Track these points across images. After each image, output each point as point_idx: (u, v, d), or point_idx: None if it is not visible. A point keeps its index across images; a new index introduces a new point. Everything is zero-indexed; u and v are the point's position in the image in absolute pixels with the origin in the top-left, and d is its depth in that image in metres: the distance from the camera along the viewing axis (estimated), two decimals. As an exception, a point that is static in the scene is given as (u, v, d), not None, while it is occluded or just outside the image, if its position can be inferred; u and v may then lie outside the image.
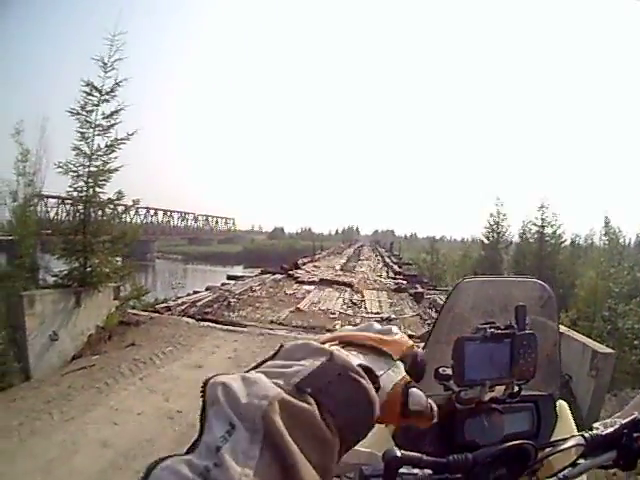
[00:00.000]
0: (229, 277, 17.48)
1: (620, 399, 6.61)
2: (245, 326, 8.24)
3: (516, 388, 1.02)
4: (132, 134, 7.62)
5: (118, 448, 3.74)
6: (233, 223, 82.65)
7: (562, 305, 12.86)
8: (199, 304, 9.78)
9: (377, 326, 0.60)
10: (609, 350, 5.95)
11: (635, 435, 0.90)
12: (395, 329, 0.60)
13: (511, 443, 0.82)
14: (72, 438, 3.85)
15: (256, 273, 18.22)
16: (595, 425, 0.94)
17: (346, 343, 0.54)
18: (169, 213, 57.63)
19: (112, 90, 7.34)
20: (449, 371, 0.98)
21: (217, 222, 74.86)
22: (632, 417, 0.90)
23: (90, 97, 7.21)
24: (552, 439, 1.06)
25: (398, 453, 0.71)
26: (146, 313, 8.09)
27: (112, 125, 7.35)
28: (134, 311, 8.00)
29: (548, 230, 19.47)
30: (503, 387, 1.02)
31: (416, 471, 0.75)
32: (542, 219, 19.39)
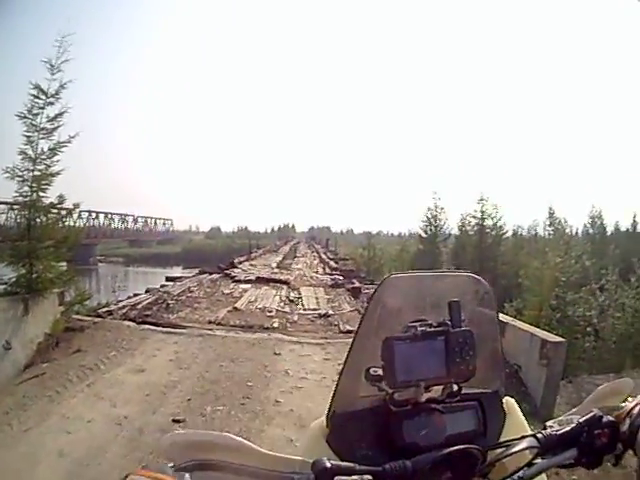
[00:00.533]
0: (167, 279, 17.56)
1: (576, 384, 6.94)
2: (184, 327, 8.45)
3: (455, 387, 1.00)
4: (74, 137, 7.71)
5: (73, 457, 3.96)
6: (171, 224, 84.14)
7: (506, 296, 13.24)
8: (139, 307, 9.86)
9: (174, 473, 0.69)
10: (559, 339, 6.02)
11: (596, 432, 0.89)
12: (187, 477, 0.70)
13: (453, 448, 0.82)
14: (32, 449, 4.04)
15: (194, 273, 18.29)
16: (549, 423, 0.94)
17: None
18: (110, 215, 57.71)
19: (57, 92, 7.47)
20: (380, 371, 0.95)
21: (156, 223, 75.60)
22: (591, 414, 0.89)
23: (37, 100, 7.34)
24: (502, 438, 1.04)
25: (328, 464, 0.71)
26: (90, 318, 8.16)
27: (55, 128, 7.48)
28: (78, 316, 8.09)
29: (488, 222, 19.79)
30: (442, 387, 1.00)
31: (355, 478, 0.74)
32: (482, 211, 19.76)
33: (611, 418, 0.91)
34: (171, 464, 0.72)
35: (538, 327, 7.35)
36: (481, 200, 19.95)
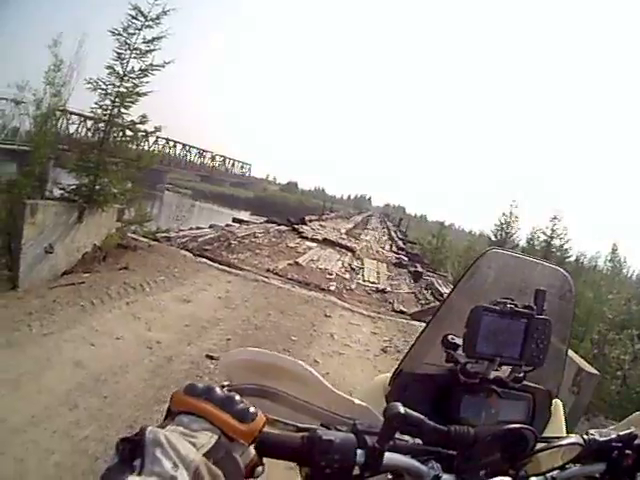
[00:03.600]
0: (234, 220, 17.41)
1: (592, 424, 6.59)
2: (241, 269, 8.27)
3: (522, 373, 0.98)
4: (168, 62, 7.59)
5: (90, 370, 3.72)
6: (249, 169, 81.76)
7: None
8: (200, 240, 9.73)
9: (238, 401, 0.58)
10: (594, 370, 5.75)
11: (627, 452, 0.83)
12: (252, 410, 0.58)
13: (513, 426, 0.77)
14: (47, 354, 3.82)
15: (261, 221, 18.03)
16: (591, 431, 0.88)
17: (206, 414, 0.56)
18: (188, 147, 56.89)
19: (157, 17, 7.32)
20: (458, 340, 0.95)
21: (233, 164, 73.68)
22: (628, 431, 0.84)
23: (134, 20, 7.21)
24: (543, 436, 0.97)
25: (402, 409, 0.66)
26: (146, 240, 8.11)
27: (150, 50, 7.36)
28: (134, 236, 8.03)
29: (556, 242, 19.54)
30: (509, 369, 0.98)
31: (407, 438, 0.71)
32: (552, 229, 19.43)
33: None
34: (226, 383, 0.72)
35: None
36: (554, 219, 19.46)
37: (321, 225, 22.08)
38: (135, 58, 7.26)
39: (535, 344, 0.95)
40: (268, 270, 8.90)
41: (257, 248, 11.03)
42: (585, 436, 0.82)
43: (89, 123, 8.13)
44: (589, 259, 24.36)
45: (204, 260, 8.18)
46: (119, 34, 7.17)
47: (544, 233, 19.64)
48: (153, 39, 7.33)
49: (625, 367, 9.67)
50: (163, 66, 7.49)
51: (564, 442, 0.82)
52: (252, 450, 0.56)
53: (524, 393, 1.05)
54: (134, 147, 8.22)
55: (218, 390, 0.57)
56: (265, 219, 18.63)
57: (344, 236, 20.00)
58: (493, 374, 0.96)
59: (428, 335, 1.06)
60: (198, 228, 12.02)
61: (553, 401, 1.14)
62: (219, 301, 6.28)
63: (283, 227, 16.46)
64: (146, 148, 10.99)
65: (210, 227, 12.55)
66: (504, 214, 21.93)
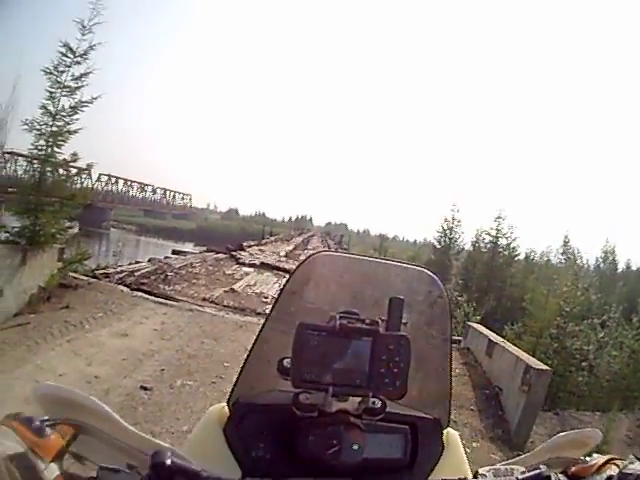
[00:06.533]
0: (174, 252, 17.70)
1: (562, 418, 6.87)
2: (177, 300, 8.58)
3: (378, 403, 0.81)
4: (96, 98, 7.88)
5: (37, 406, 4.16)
6: (190, 199, 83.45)
7: (509, 318, 13.53)
8: (137, 274, 9.96)
9: (41, 425, 0.66)
10: (544, 366, 5.73)
11: None
12: (49, 431, 0.66)
13: None
14: (0, 393, 4.11)
15: (200, 250, 18.36)
16: (481, 471, 0.79)
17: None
18: (129, 183, 58.02)
19: (85, 53, 7.58)
20: None
21: (174, 196, 75.33)
22: (535, 472, 0.75)
23: (64, 58, 7.46)
24: (434, 476, 0.90)
25: (168, 460, 0.62)
26: (85, 278, 8.32)
27: (79, 87, 7.62)
28: (75, 275, 8.24)
29: (502, 241, 19.68)
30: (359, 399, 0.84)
31: None
32: (497, 230, 19.66)
33: (562, 478, 0.77)
34: (45, 417, 0.70)
35: (534, 354, 7.32)
36: (498, 218, 19.83)
37: (260, 250, 22.64)
38: (65, 96, 7.51)
39: (386, 367, 0.80)
40: (204, 299, 9.19)
41: (194, 278, 11.31)
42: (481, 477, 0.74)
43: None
44: (540, 255, 24.45)
45: (140, 294, 8.46)
46: (50, 73, 7.40)
47: (489, 234, 19.93)
48: (81, 75, 7.59)
49: (590, 357, 9.97)
50: (91, 102, 7.76)
51: None
52: (55, 466, 0.61)
53: (398, 425, 0.92)
54: (70, 185, 8.43)
55: (32, 417, 0.66)
56: (204, 248, 18.98)
57: (283, 258, 20.35)
58: (339, 406, 0.84)
59: (262, 356, 0.98)
60: (137, 262, 12.19)
61: (445, 431, 1.01)
62: (155, 333, 6.60)
63: (221, 255, 16.82)
64: (87, 185, 11.22)
65: (148, 261, 12.75)
66: (446, 220, 22.26)
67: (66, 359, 5.24)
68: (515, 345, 7.23)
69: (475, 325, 8.89)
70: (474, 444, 5.10)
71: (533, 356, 6.58)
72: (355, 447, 0.80)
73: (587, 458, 0.81)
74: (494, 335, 7.60)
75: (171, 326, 7.06)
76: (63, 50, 7.48)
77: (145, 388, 4.87)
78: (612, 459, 0.77)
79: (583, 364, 9.93)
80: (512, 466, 0.79)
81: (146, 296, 8.45)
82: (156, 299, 8.40)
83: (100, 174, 44.83)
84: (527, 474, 0.74)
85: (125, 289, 8.57)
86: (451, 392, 1.06)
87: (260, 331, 1.00)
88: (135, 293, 8.48)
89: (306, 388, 0.80)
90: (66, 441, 0.66)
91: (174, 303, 8.40)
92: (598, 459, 0.79)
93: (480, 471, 0.78)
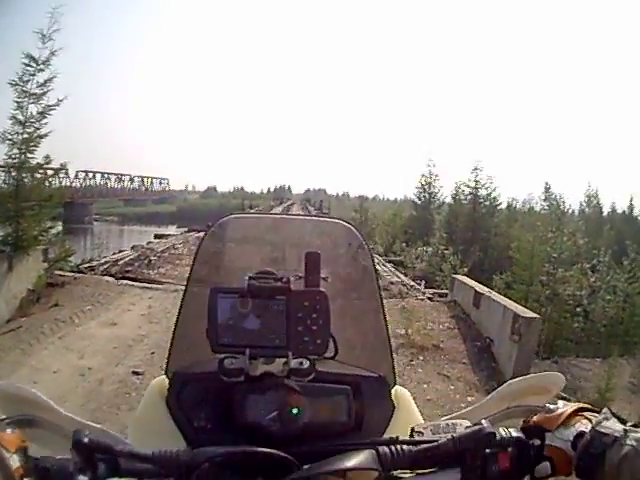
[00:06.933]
0: (156, 236, 17.75)
1: (562, 366, 6.85)
2: (161, 283, 8.86)
3: (306, 363, 0.81)
4: (62, 100, 8.08)
5: None
6: (167, 183, 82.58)
7: (497, 268, 13.55)
8: (121, 263, 10.18)
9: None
10: (533, 314, 5.67)
11: (487, 451, 0.65)
12: (8, 427, 0.66)
13: (250, 449, 0.65)
14: None
15: (182, 231, 18.46)
16: (418, 428, 0.71)
17: None
18: (106, 175, 56.76)
19: (47, 60, 7.78)
20: None
21: (152, 182, 73.92)
22: (476, 428, 0.65)
23: (28, 67, 7.68)
24: (387, 435, 0.78)
25: (86, 439, 0.61)
26: (71, 274, 8.58)
27: (45, 93, 7.83)
28: (60, 272, 8.47)
29: (482, 192, 19.59)
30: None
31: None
32: (476, 181, 19.57)
33: (519, 434, 0.67)
34: (3, 416, 0.71)
35: (526, 302, 7.41)
36: (475, 169, 19.85)
37: (242, 223, 22.47)
38: (33, 103, 7.72)
39: (303, 325, 0.79)
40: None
41: (177, 259, 11.55)
42: (385, 447, 0.65)
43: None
44: (522, 203, 23.99)
45: (125, 282, 8.73)
46: (16, 84, 7.61)
47: (468, 186, 19.82)
48: (45, 82, 7.79)
49: (584, 303, 10.00)
50: (58, 105, 7.98)
51: (332, 467, 0.63)
52: (16, 458, 0.61)
53: (338, 385, 0.88)
54: (47, 187, 8.64)
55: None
56: (186, 229, 19.09)
57: (265, 229, 20.42)
58: (265, 368, 0.82)
59: (190, 323, 0.95)
60: (120, 251, 12.30)
61: (393, 390, 0.98)
62: (142, 318, 6.84)
63: (202, 233, 16.67)
64: (65, 184, 11.35)
65: (132, 248, 12.81)
66: (424, 175, 22.28)
67: (59, 356, 5.46)
68: (506, 295, 7.31)
69: (460, 277, 8.88)
70: (469, 398, 5.10)
71: (525, 304, 6.65)
72: (294, 411, 0.78)
73: (551, 406, 0.70)
74: (480, 286, 7.58)
75: (158, 309, 7.28)
76: (26, 61, 7.67)
77: (137, 373, 5.11)
78: (581, 409, 0.68)
79: (577, 310, 9.94)
80: (456, 420, 0.71)
81: (132, 283, 8.70)
82: (141, 285, 8.67)
83: (77, 171, 44.53)
84: (467, 430, 0.66)
85: (111, 279, 8.82)
86: (391, 347, 1.03)
87: (182, 299, 1.01)
88: (120, 282, 8.72)
89: (224, 352, 0.80)
90: (24, 435, 0.65)
91: (159, 286, 8.64)
92: (565, 408, 0.68)
93: (416, 428, 0.71)
